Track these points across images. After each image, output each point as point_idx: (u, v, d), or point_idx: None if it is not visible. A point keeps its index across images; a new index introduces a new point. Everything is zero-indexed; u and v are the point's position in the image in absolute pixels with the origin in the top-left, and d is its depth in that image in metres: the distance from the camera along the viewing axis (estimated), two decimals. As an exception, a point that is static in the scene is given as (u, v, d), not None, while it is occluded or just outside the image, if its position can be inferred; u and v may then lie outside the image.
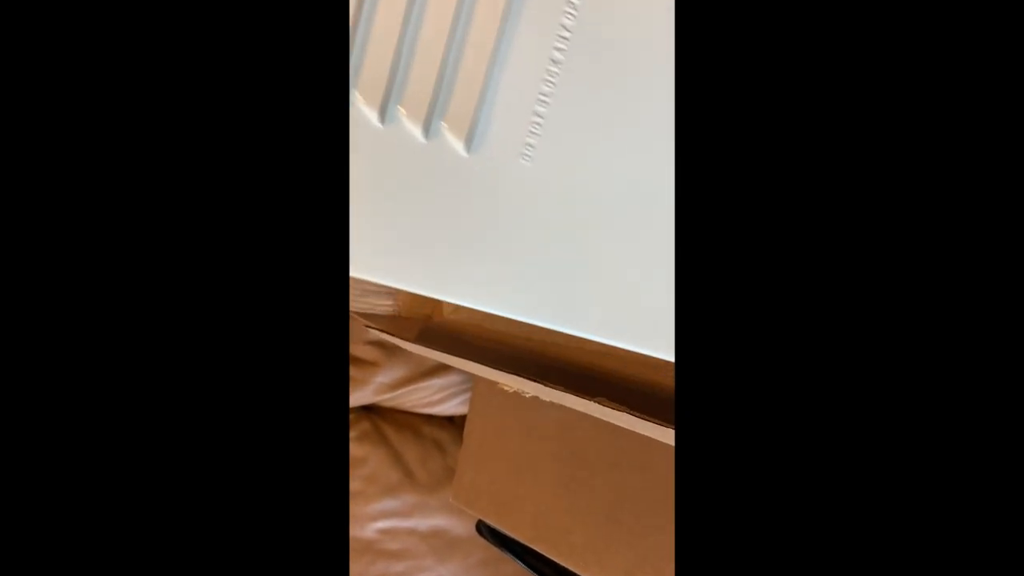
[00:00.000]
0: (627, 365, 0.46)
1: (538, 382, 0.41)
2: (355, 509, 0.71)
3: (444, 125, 0.30)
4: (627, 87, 0.29)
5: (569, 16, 0.28)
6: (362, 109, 0.30)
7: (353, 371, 0.72)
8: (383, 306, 0.66)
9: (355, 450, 0.72)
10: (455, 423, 0.75)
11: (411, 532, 0.72)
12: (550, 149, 0.30)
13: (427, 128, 0.30)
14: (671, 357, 0.30)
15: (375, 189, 0.31)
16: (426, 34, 0.29)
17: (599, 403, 0.38)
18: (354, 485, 0.71)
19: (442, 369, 0.72)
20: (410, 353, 0.71)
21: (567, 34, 0.29)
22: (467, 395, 0.72)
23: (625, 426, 0.39)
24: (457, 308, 0.61)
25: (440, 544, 0.72)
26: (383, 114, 0.30)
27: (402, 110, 0.30)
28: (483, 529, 0.65)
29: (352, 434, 0.72)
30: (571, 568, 0.54)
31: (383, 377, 0.72)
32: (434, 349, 0.49)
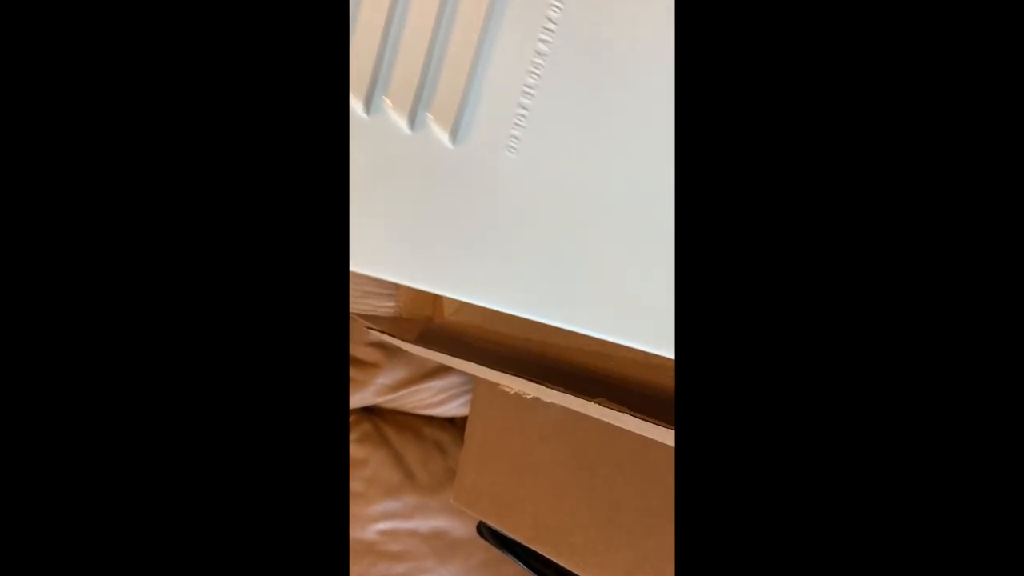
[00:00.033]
0: (627, 366, 0.46)
1: (539, 383, 0.41)
2: (356, 510, 0.71)
3: (429, 116, 0.30)
4: (612, 80, 0.29)
5: (555, 9, 0.29)
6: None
7: (354, 372, 0.72)
8: (384, 308, 0.66)
9: (356, 451, 0.72)
10: (456, 424, 0.75)
11: (412, 533, 0.72)
12: (535, 141, 0.30)
13: (412, 119, 0.30)
14: (669, 353, 0.30)
15: (359, 180, 0.31)
16: (412, 24, 0.29)
17: (599, 404, 0.38)
18: (355, 486, 0.71)
19: (443, 371, 0.72)
20: (411, 355, 0.71)
21: (552, 27, 0.29)
22: (468, 397, 0.72)
23: (625, 427, 0.40)
24: (458, 310, 0.61)
25: (441, 545, 0.72)
26: (368, 105, 0.30)
27: (387, 101, 0.30)
28: (484, 530, 0.65)
29: (353, 436, 0.72)
30: (572, 569, 0.54)
31: (384, 378, 0.72)
32: (435, 350, 0.50)
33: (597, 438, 0.54)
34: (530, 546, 0.58)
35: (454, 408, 0.74)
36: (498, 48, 0.29)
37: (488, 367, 0.44)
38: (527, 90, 0.29)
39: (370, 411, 0.75)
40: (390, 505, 0.71)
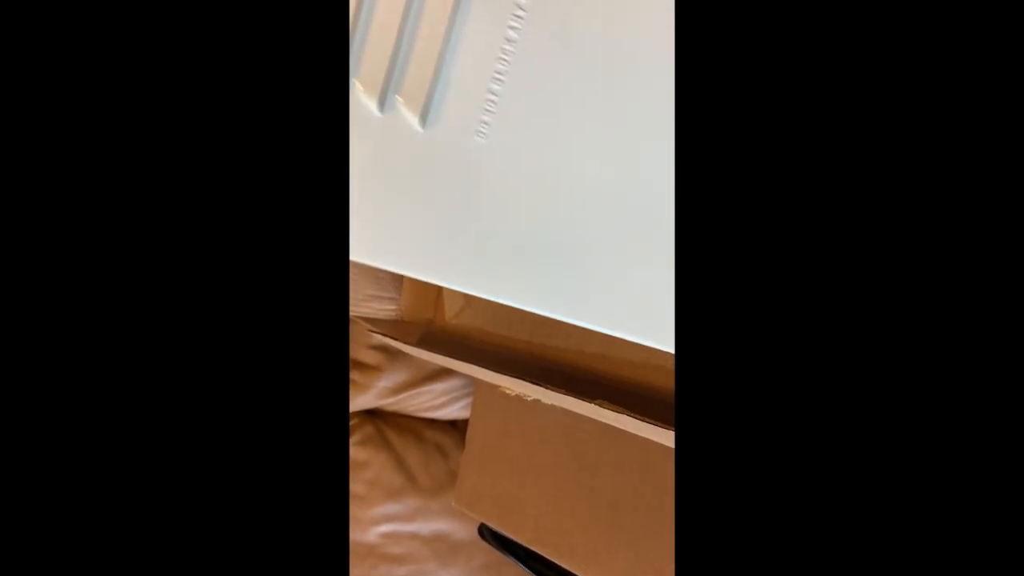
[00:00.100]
0: (627, 368, 0.46)
1: (540, 385, 0.41)
2: (357, 513, 0.71)
3: (399, 99, 0.30)
4: (582, 67, 0.29)
5: None
6: None
7: (356, 375, 0.72)
8: (386, 311, 0.66)
9: (358, 454, 0.72)
10: (457, 427, 0.76)
11: (413, 536, 0.72)
12: (504, 126, 0.30)
13: (382, 102, 0.30)
14: (667, 347, 0.30)
15: None
16: (382, 7, 0.29)
17: (600, 406, 0.38)
18: (356, 489, 0.71)
19: (444, 373, 0.73)
20: (412, 357, 0.71)
21: (521, 13, 0.29)
22: (469, 399, 0.72)
23: (626, 429, 0.40)
24: (459, 313, 0.61)
25: (442, 548, 0.72)
26: None
27: (358, 84, 0.30)
28: (485, 532, 0.66)
29: (354, 438, 0.72)
30: (573, 570, 0.54)
31: (386, 381, 0.72)
32: (436, 353, 0.50)
33: (597, 440, 0.54)
34: (531, 548, 0.58)
35: (455, 411, 0.74)
36: (467, 34, 0.29)
37: (489, 369, 0.44)
38: (496, 76, 0.29)
39: (372, 414, 0.75)
40: (391, 508, 0.72)
